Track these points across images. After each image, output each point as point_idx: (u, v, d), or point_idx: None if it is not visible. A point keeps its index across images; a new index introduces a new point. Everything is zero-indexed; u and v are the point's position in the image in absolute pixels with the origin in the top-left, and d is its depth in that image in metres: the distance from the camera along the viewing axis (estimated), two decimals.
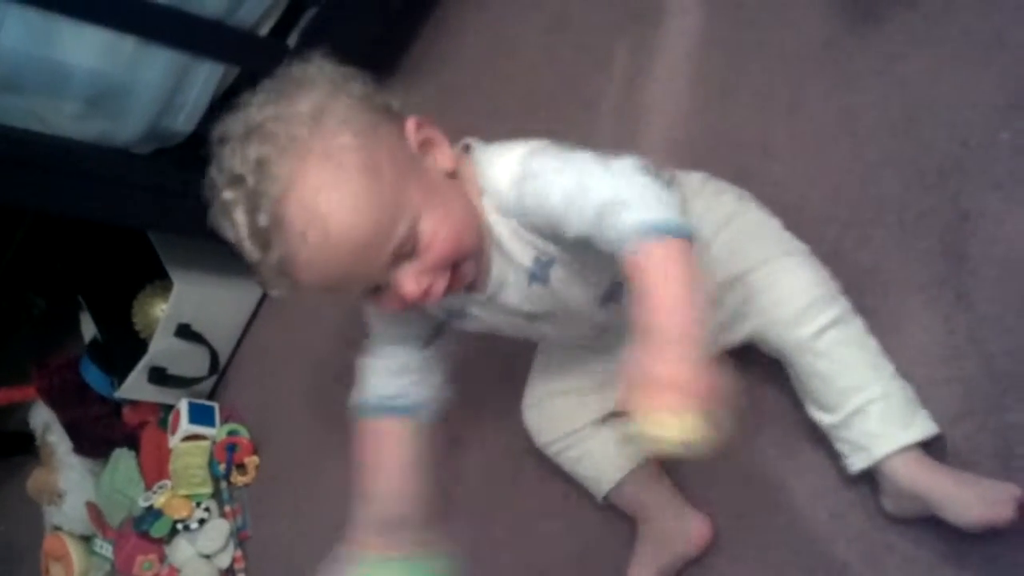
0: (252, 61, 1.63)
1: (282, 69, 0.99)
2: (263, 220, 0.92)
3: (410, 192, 0.95)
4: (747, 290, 1.09)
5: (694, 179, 1.19)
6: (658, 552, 1.21)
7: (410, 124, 1.00)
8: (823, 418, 1.07)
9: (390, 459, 1.14)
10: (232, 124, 0.96)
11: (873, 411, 1.02)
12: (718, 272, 1.09)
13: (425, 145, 1.01)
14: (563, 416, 1.27)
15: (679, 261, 0.84)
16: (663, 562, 1.21)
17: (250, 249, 0.95)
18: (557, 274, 1.05)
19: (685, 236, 0.85)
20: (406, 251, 0.95)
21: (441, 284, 0.98)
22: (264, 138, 0.93)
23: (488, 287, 1.07)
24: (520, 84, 1.65)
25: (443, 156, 1.02)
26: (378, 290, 0.99)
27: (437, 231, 0.96)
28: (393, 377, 1.15)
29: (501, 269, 1.05)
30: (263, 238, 0.93)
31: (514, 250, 1.03)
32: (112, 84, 1.52)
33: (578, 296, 1.08)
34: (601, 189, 0.90)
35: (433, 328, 1.16)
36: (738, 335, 1.12)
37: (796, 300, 1.07)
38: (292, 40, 1.61)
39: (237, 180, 0.93)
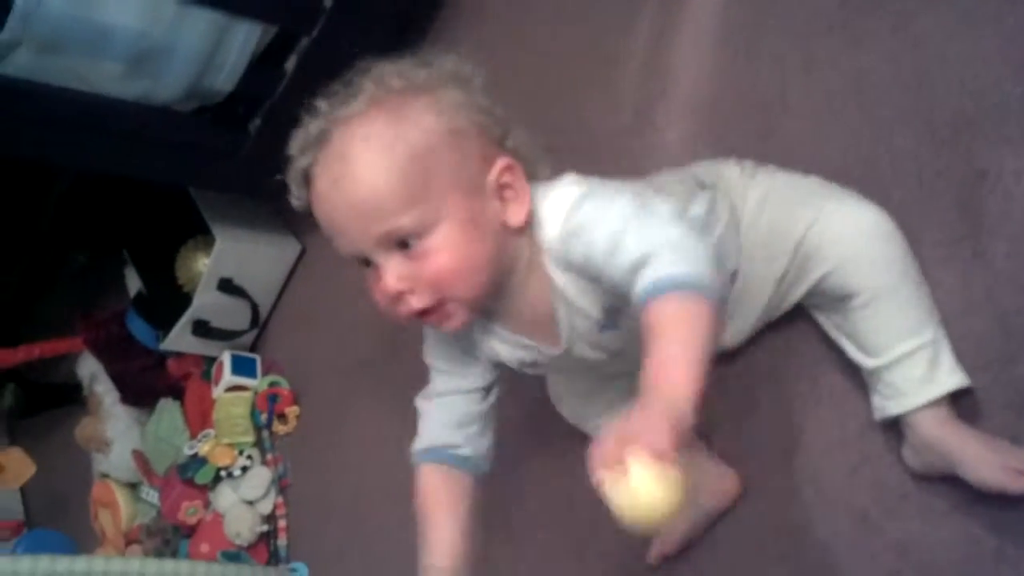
0: (289, 20, 1.65)
1: (448, 54, 1.03)
2: (314, 128, 0.97)
3: (446, 201, 0.95)
4: (809, 249, 1.07)
5: (730, 173, 1.17)
6: (690, 508, 1.21)
7: (501, 162, 0.99)
8: (867, 362, 1.05)
9: (448, 511, 1.13)
10: (373, 62, 0.99)
11: (922, 357, 1.02)
12: (777, 249, 1.09)
13: (503, 189, 0.99)
14: (588, 406, 1.30)
15: (691, 317, 0.82)
16: (696, 516, 1.22)
17: (293, 144, 0.99)
18: (627, 319, 1.04)
19: (703, 289, 0.84)
20: (401, 241, 0.95)
21: (419, 301, 0.97)
22: (373, 77, 0.97)
23: (562, 340, 1.07)
24: (544, 42, 1.66)
25: (516, 211, 1.00)
26: (368, 266, 0.99)
27: (443, 249, 0.95)
28: (455, 428, 1.14)
29: (568, 319, 1.05)
30: (304, 143, 0.98)
31: (581, 303, 1.03)
32: (153, 44, 1.54)
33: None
34: (633, 246, 0.88)
35: (493, 376, 1.15)
36: (800, 292, 1.11)
37: (861, 233, 1.05)
38: (328, 1, 1.63)
39: (332, 94, 0.98)
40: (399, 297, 0.97)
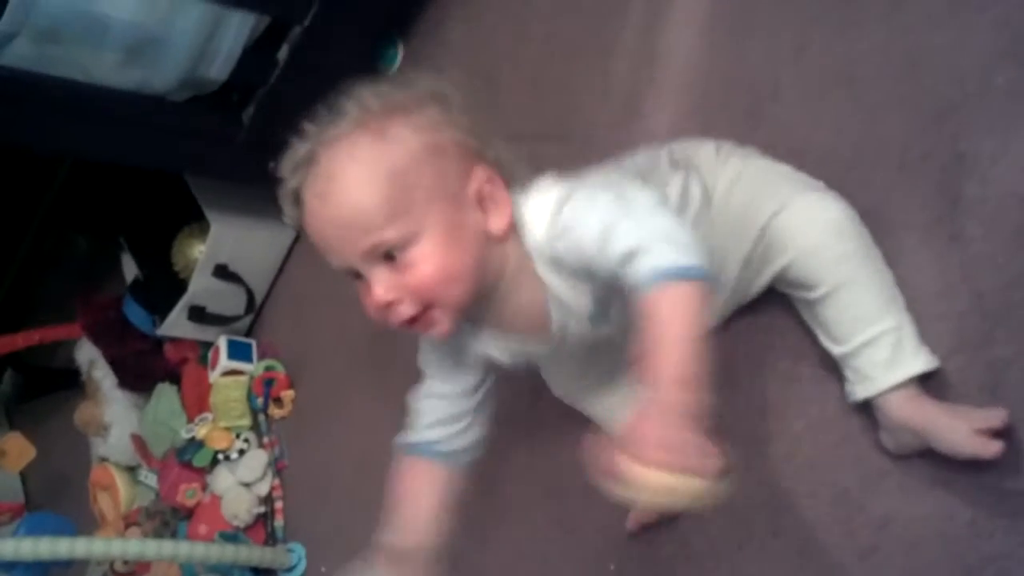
0: (282, 10, 1.66)
1: (426, 74, 1.08)
2: (303, 151, 1.02)
3: (428, 214, 0.99)
4: (771, 237, 1.11)
5: (705, 154, 1.20)
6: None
7: (480, 174, 1.03)
8: (834, 349, 1.09)
9: (419, 497, 1.19)
10: (355, 86, 1.04)
11: (885, 342, 1.04)
12: (743, 231, 1.12)
13: (484, 200, 1.03)
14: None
15: (686, 305, 0.87)
16: None
17: (283, 166, 1.04)
18: (617, 309, 1.08)
19: (697, 278, 0.88)
20: (387, 255, 0.99)
21: (406, 310, 1.02)
22: (355, 100, 1.02)
23: (552, 338, 1.11)
24: (539, 30, 1.67)
25: (496, 220, 1.04)
26: (358, 279, 1.03)
27: (426, 260, 1.00)
28: (440, 427, 1.19)
29: (562, 318, 1.09)
30: (294, 164, 1.03)
31: (573, 301, 1.07)
32: (149, 34, 1.55)
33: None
34: (623, 238, 0.92)
35: (484, 373, 1.19)
36: (764, 280, 1.15)
37: (819, 227, 1.08)
38: None
39: (318, 117, 1.03)
40: (388, 307, 1.02)
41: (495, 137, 1.07)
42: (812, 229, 1.09)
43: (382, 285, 1.00)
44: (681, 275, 0.88)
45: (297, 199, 1.03)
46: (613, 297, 1.06)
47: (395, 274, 1.00)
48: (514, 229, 1.05)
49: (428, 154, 1.01)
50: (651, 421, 0.81)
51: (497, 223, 1.04)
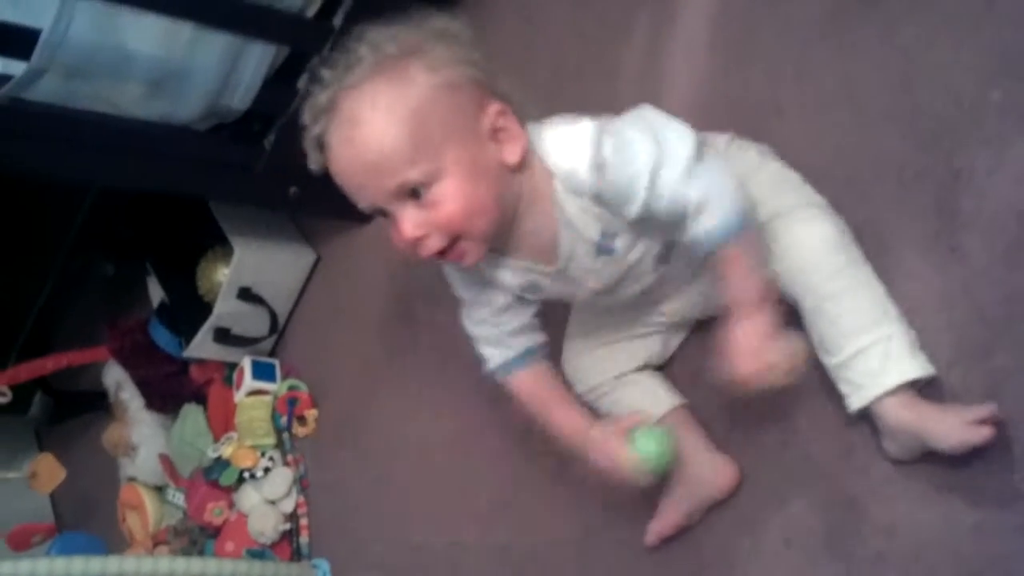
0: (300, 41, 1.69)
1: (434, 13, 1.10)
2: (324, 98, 1.06)
3: (447, 151, 1.04)
4: (768, 236, 1.15)
5: (720, 140, 1.25)
6: (687, 494, 1.28)
7: (493, 108, 1.08)
8: (828, 360, 1.12)
9: (553, 398, 1.28)
10: (366, 28, 1.08)
11: (875, 351, 1.08)
12: None
13: (497, 132, 1.08)
14: (599, 367, 1.34)
15: (750, 252, 1.08)
16: (692, 503, 1.28)
17: (305, 115, 1.08)
18: (621, 242, 1.14)
19: (750, 227, 1.07)
20: (413, 193, 1.04)
21: (435, 243, 1.08)
22: (369, 44, 1.06)
23: (559, 260, 1.15)
24: (548, 54, 1.70)
25: (511, 151, 1.09)
26: (386, 217, 1.08)
27: (451, 196, 1.05)
28: (511, 338, 1.26)
29: (570, 243, 1.14)
30: (315, 112, 1.07)
31: (582, 225, 1.12)
32: (172, 67, 1.58)
33: (639, 259, 1.17)
34: (669, 190, 1.04)
35: (513, 296, 1.24)
36: None
37: (809, 246, 1.12)
38: (337, 21, 1.67)
39: (333, 64, 1.07)
40: (417, 242, 1.07)
41: (503, 72, 1.12)
42: (803, 246, 1.13)
43: (410, 222, 1.06)
44: (733, 231, 1.05)
45: (321, 145, 1.08)
46: (623, 230, 1.13)
47: (422, 210, 1.06)
48: (528, 158, 1.10)
49: (444, 92, 1.05)
50: (750, 337, 1.06)
51: (512, 154, 1.09)
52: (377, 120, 1.03)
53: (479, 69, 1.08)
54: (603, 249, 1.14)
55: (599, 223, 1.12)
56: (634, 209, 1.07)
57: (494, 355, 1.27)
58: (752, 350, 1.06)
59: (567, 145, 1.10)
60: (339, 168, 1.07)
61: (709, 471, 1.27)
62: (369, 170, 1.05)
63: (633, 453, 1.16)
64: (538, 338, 1.28)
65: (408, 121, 1.03)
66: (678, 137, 1.06)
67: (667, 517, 1.29)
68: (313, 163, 1.10)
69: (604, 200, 1.09)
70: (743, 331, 1.07)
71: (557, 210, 1.11)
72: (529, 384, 1.27)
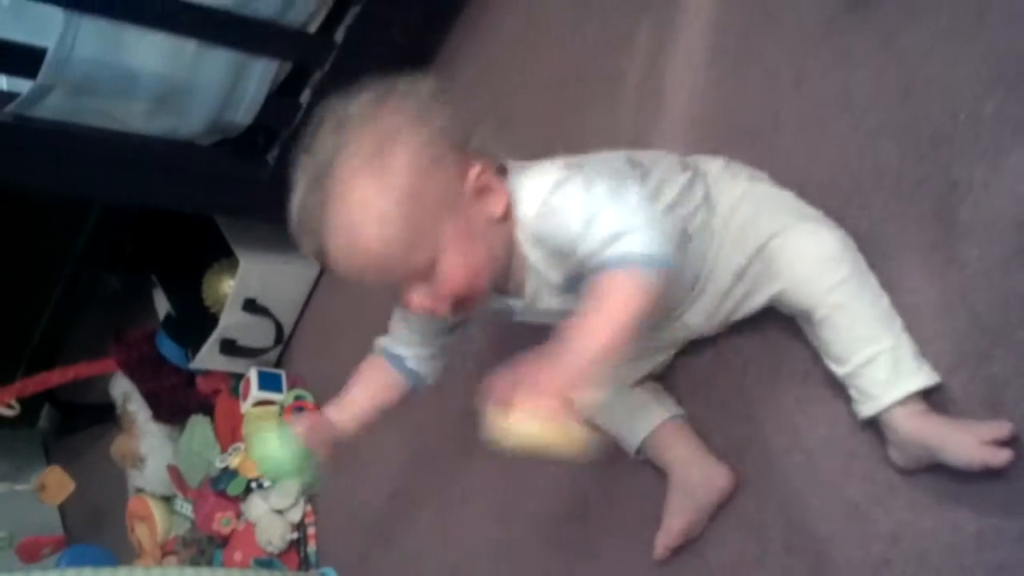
0: (303, 56, 1.72)
1: (393, 77, 1.10)
2: (312, 210, 1.07)
3: (443, 228, 1.06)
4: (767, 258, 1.16)
5: (714, 166, 1.26)
6: (687, 502, 1.28)
7: (473, 171, 1.09)
8: (836, 369, 1.12)
9: (369, 390, 1.34)
10: (332, 108, 1.08)
11: (883, 361, 1.08)
12: (741, 245, 1.17)
13: (481, 192, 1.10)
14: None
15: (631, 293, 0.97)
16: (693, 511, 1.28)
17: (295, 226, 1.10)
18: (586, 285, 1.13)
19: (657, 267, 0.98)
20: (421, 275, 1.07)
21: (444, 309, 1.11)
22: (343, 136, 1.06)
23: (527, 296, 1.17)
24: (550, 62, 1.71)
25: (495, 204, 1.11)
26: (398, 290, 1.11)
27: (454, 270, 1.08)
28: (413, 347, 1.31)
29: (535, 285, 1.16)
30: (306, 223, 1.08)
31: (546, 272, 1.14)
32: (176, 84, 1.60)
33: None
34: (604, 226, 1.00)
35: (458, 322, 1.28)
36: (760, 300, 1.19)
37: (812, 258, 1.13)
38: (339, 35, 1.69)
39: (307, 165, 1.07)
40: (430, 311, 1.11)
41: (471, 122, 1.13)
42: (806, 259, 1.13)
43: (419, 296, 1.10)
44: (637, 261, 0.97)
45: (321, 254, 1.10)
46: (583, 276, 1.11)
47: (428, 284, 1.09)
48: (511, 207, 1.12)
49: (427, 172, 1.06)
50: (548, 369, 0.92)
51: (497, 206, 1.11)
52: (370, 223, 1.04)
53: (455, 130, 1.10)
54: (568, 289, 1.15)
55: (562, 269, 1.13)
56: (581, 248, 1.04)
57: (400, 349, 1.32)
58: (544, 383, 0.92)
59: (527, 195, 1.11)
60: (344, 271, 1.10)
61: (703, 476, 1.28)
62: (375, 269, 1.08)
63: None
64: (437, 369, 1.34)
65: (400, 215, 1.04)
66: (634, 188, 1.07)
67: (671, 528, 1.30)
68: (319, 264, 1.12)
69: (552, 248, 1.10)
70: (550, 358, 0.94)
71: (523, 257, 1.14)
72: (380, 377, 1.34)
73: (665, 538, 1.30)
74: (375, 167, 1.05)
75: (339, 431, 1.32)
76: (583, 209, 1.04)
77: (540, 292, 1.17)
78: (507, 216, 1.12)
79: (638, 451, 1.35)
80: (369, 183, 1.05)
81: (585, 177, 1.08)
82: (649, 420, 1.33)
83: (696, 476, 1.29)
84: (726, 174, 1.25)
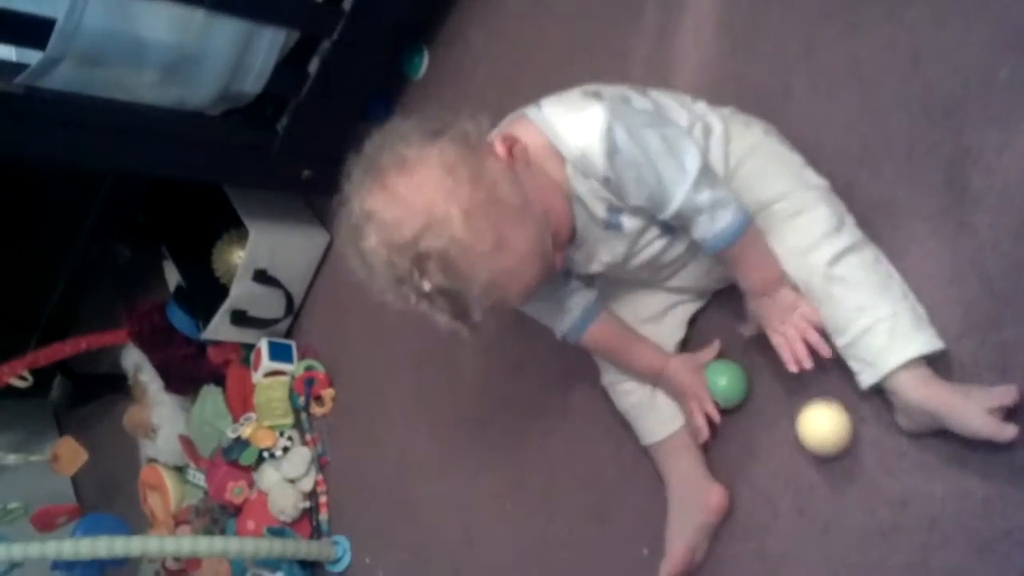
0: (311, 25, 1.71)
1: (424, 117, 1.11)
2: (471, 296, 1.07)
3: (535, 205, 1.08)
4: (769, 220, 1.17)
5: (724, 110, 1.28)
6: (684, 521, 1.32)
7: (498, 146, 1.10)
8: (837, 340, 1.14)
9: (624, 342, 1.34)
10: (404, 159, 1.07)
11: (880, 329, 1.09)
12: (744, 198, 1.17)
13: (511, 159, 1.10)
14: None
15: (754, 244, 1.15)
16: (692, 528, 1.31)
17: (435, 304, 1.09)
18: (626, 219, 1.17)
19: (749, 222, 1.13)
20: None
21: (562, 257, 1.17)
22: (421, 182, 1.06)
23: (578, 237, 1.19)
24: (557, 36, 1.71)
25: (521, 149, 1.11)
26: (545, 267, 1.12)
27: (560, 222, 1.13)
28: (566, 302, 1.31)
29: (583, 221, 1.17)
30: (464, 310, 1.08)
31: (591, 204, 1.16)
32: (185, 53, 1.60)
33: (644, 234, 1.20)
34: (681, 193, 1.11)
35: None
36: None
37: (813, 230, 1.15)
38: (347, 4, 1.68)
39: (428, 293, 1.09)
40: (561, 260, 1.17)
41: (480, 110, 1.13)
42: (805, 229, 1.15)
43: (557, 257, 1.15)
44: (737, 233, 1.13)
45: (495, 308, 1.10)
46: (623, 210, 1.17)
47: (548, 247, 1.11)
48: (544, 146, 1.13)
49: (483, 183, 1.06)
50: (774, 311, 1.16)
51: (523, 151, 1.11)
52: (510, 255, 1.06)
53: (466, 138, 1.09)
54: (610, 225, 1.18)
55: (605, 201, 1.16)
56: (637, 201, 1.14)
57: (559, 323, 1.33)
58: (778, 315, 1.17)
59: (578, 130, 1.12)
60: (522, 295, 1.11)
61: (697, 496, 1.31)
62: (539, 275, 1.10)
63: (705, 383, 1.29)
64: (589, 295, 1.32)
65: (516, 229, 1.06)
66: (689, 153, 1.11)
67: (674, 555, 1.32)
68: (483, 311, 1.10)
69: (611, 185, 1.12)
70: (765, 305, 1.17)
71: (568, 189, 1.14)
72: (599, 337, 1.34)
73: (670, 567, 1.32)
74: (470, 212, 1.04)
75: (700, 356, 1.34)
76: (655, 167, 1.10)
77: (588, 230, 1.19)
78: (545, 156, 1.13)
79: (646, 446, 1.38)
80: (483, 235, 1.04)
81: (631, 118, 1.12)
82: (664, 425, 1.35)
83: (690, 497, 1.32)
84: (737, 119, 1.27)
